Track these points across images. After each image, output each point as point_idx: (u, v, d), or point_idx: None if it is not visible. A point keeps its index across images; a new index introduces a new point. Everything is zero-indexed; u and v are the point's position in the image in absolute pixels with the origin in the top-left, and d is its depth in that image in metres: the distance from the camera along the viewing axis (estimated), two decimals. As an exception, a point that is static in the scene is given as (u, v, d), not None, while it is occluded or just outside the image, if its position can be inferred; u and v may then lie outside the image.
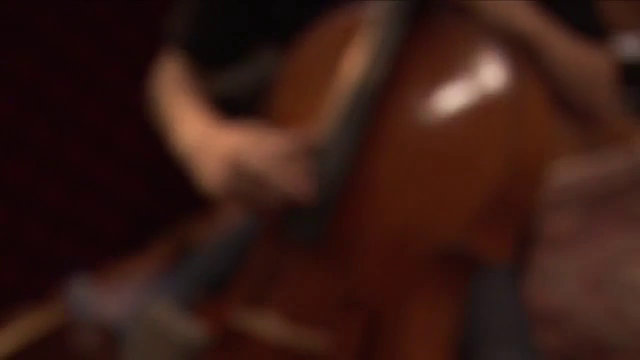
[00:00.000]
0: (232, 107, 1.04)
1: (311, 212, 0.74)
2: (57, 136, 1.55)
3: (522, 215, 0.76)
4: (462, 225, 0.68)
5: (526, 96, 0.71)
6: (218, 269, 0.60)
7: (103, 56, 1.59)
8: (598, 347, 1.66)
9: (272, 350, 0.71)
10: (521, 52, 0.78)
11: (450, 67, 0.74)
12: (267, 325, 0.71)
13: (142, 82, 1.67)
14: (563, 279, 1.91)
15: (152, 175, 1.83)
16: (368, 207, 0.73)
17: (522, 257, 1.00)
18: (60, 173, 1.59)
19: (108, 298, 1.78)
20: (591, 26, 0.93)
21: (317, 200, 0.73)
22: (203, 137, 0.85)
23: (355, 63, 0.75)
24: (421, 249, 0.70)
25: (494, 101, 0.71)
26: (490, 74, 0.72)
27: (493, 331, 0.84)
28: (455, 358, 0.75)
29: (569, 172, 2.46)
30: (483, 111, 0.71)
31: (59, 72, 1.50)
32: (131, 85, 1.67)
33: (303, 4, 0.91)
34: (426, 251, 0.69)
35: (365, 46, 0.75)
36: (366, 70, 0.74)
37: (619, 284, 1.89)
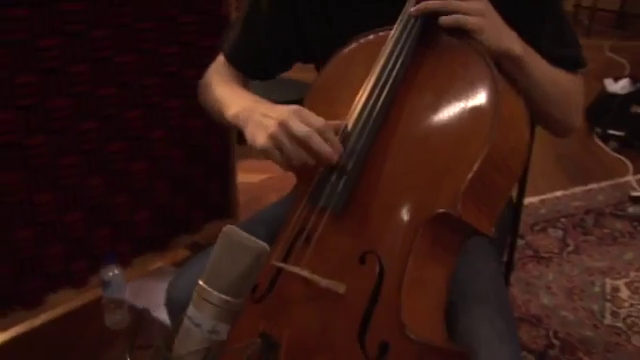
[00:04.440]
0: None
1: (338, 184, 0.90)
2: (104, 141, 1.73)
3: (499, 197, 0.94)
4: (452, 198, 0.85)
5: (506, 105, 0.90)
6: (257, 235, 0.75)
7: (144, 65, 1.76)
8: (574, 342, 1.83)
9: (305, 285, 0.90)
10: (506, 68, 0.97)
11: (448, 77, 0.91)
12: (302, 272, 0.89)
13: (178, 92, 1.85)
14: (548, 288, 2.08)
15: (181, 182, 2.00)
16: (382, 182, 0.90)
17: (499, 235, 1.17)
18: (103, 173, 1.77)
19: (137, 285, 1.94)
20: (568, 57, 1.12)
21: (345, 170, 0.91)
22: (255, 105, 0.99)
23: (377, 74, 0.94)
24: (422, 216, 0.87)
25: (482, 106, 0.89)
26: (479, 85, 0.90)
27: (473, 290, 1.01)
28: (444, 308, 0.92)
29: (560, 202, 2.66)
30: (473, 113, 0.89)
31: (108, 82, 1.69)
32: (166, 98, 1.87)
33: (337, 29, 1.10)
34: (426, 218, 0.87)
35: (385, 60, 0.95)
36: (385, 78, 0.94)
37: (595, 293, 2.06)
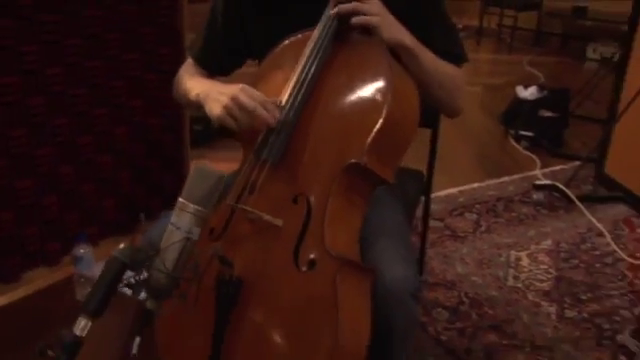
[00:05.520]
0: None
1: (275, 142, 1.18)
2: (75, 134, 1.98)
3: (396, 153, 1.24)
4: (360, 151, 1.14)
5: (400, 78, 1.20)
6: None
7: (110, 69, 2.02)
8: (481, 300, 2.15)
9: (252, 224, 1.16)
10: (404, 59, 1.28)
11: (357, 64, 1.23)
12: (249, 209, 1.17)
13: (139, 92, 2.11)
14: (462, 259, 2.41)
15: (141, 174, 2.24)
16: (308, 140, 1.18)
17: (407, 207, 1.48)
18: (74, 163, 2.01)
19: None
20: (454, 53, 1.43)
21: (280, 133, 1.19)
22: (212, 86, 1.29)
23: (303, 63, 1.24)
24: (339, 166, 1.15)
25: (381, 83, 1.17)
26: (379, 67, 1.21)
27: (382, 229, 1.30)
28: (358, 240, 1.22)
29: (476, 192, 3.02)
30: (375, 88, 1.17)
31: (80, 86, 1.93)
32: (130, 98, 2.12)
33: (272, 33, 1.39)
34: (341, 167, 1.15)
35: (309, 52, 1.25)
36: (310, 65, 1.24)
37: (501, 262, 2.41)
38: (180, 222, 0.93)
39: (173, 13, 2.15)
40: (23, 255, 1.99)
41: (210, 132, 3.08)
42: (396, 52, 1.27)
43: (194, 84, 1.38)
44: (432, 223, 2.64)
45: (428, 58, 1.31)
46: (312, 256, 1.14)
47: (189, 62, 1.52)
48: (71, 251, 2.02)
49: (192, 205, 0.93)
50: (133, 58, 2.07)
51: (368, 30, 1.24)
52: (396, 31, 1.25)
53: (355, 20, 1.22)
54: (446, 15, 1.44)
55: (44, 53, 1.83)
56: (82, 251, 2.00)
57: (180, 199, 0.94)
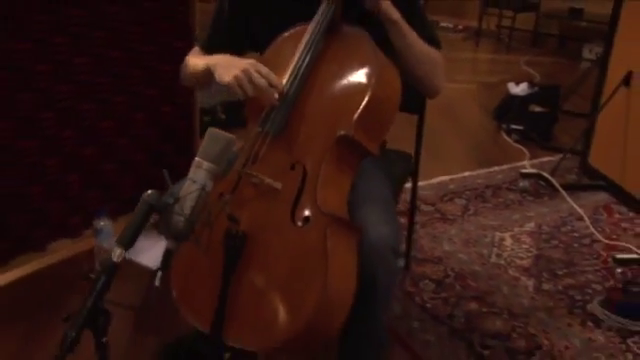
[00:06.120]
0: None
1: (277, 116, 1.38)
2: (99, 118, 2.18)
3: (380, 128, 1.43)
4: (350, 124, 1.33)
5: (383, 65, 1.40)
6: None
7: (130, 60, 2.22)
8: (465, 274, 2.34)
9: (255, 187, 1.36)
10: (390, 34, 1.45)
11: (348, 52, 1.42)
12: (254, 172, 1.37)
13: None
14: (450, 239, 2.60)
15: (156, 156, 2.45)
16: (305, 116, 1.37)
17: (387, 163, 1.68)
18: (96, 145, 2.21)
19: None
20: (431, 39, 1.61)
21: (280, 109, 1.40)
22: (222, 57, 1.48)
23: (300, 51, 1.45)
24: (330, 137, 1.35)
25: (368, 68, 1.37)
26: (366, 55, 1.41)
27: (369, 196, 1.50)
28: (347, 203, 1.42)
29: (466, 180, 3.21)
30: (363, 72, 1.37)
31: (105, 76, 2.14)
32: (146, 87, 2.32)
33: (273, 30, 1.56)
34: (332, 138, 1.35)
35: (306, 41, 1.45)
36: (306, 53, 1.44)
37: (486, 242, 2.60)
38: (196, 176, 1.13)
39: (186, 10, 2.35)
40: (49, 227, 2.19)
41: (217, 124, 3.28)
42: (384, 26, 1.46)
43: (200, 60, 1.57)
44: (423, 207, 2.84)
45: (412, 35, 1.50)
46: (306, 213, 1.33)
47: (195, 49, 1.71)
48: (92, 225, 2.23)
49: (206, 162, 1.13)
50: (150, 50, 2.27)
51: (356, 24, 1.45)
52: (388, 5, 1.45)
53: None
54: (422, 10, 1.64)
55: (72, 44, 2.04)
56: (102, 224, 2.21)
57: (197, 158, 1.14)
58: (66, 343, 0.95)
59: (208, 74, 1.48)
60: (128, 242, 1.04)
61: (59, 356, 0.94)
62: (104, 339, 1.02)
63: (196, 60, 1.60)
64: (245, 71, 1.36)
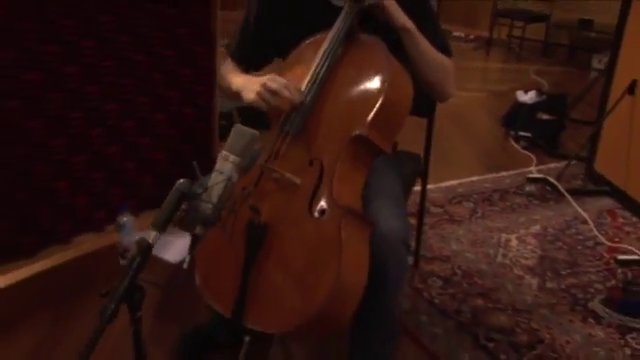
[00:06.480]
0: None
1: (297, 118, 1.48)
2: (121, 119, 2.29)
3: (392, 129, 1.53)
4: (363, 125, 1.44)
5: (396, 70, 1.50)
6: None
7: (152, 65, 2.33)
8: (471, 272, 2.43)
9: (276, 182, 1.46)
10: (404, 41, 1.55)
11: (364, 59, 1.53)
12: (275, 168, 1.47)
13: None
14: (458, 239, 2.69)
15: (175, 156, 2.54)
16: (323, 117, 1.47)
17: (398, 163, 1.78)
18: (119, 144, 2.32)
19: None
20: (442, 46, 1.71)
21: (300, 111, 1.49)
22: (246, 79, 1.62)
23: (319, 57, 1.55)
24: (346, 137, 1.44)
25: (382, 73, 1.47)
26: (381, 62, 1.51)
27: (382, 192, 1.59)
28: (361, 197, 1.51)
29: (474, 184, 3.30)
30: (377, 78, 1.47)
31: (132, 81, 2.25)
32: (166, 89, 2.43)
33: (298, 35, 1.66)
34: (348, 137, 1.44)
35: (325, 48, 1.55)
36: (325, 59, 1.53)
37: (492, 243, 2.68)
38: (223, 168, 1.23)
39: (207, 17, 2.46)
40: (74, 221, 2.29)
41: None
42: (399, 34, 1.56)
43: (233, 79, 1.70)
44: (432, 209, 2.93)
45: (425, 43, 1.60)
46: (323, 205, 1.42)
47: (228, 61, 1.82)
48: (115, 220, 2.34)
49: (232, 155, 1.23)
50: (171, 55, 2.37)
51: (372, 32, 1.55)
52: (401, 15, 1.55)
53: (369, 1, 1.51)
54: (435, 18, 1.74)
55: (99, 48, 2.15)
56: (125, 219, 2.31)
57: (223, 151, 1.24)
58: (105, 315, 1.04)
59: (238, 95, 1.62)
60: (161, 225, 1.14)
61: (99, 326, 1.04)
62: (139, 314, 1.11)
63: (229, 79, 1.73)
64: (264, 85, 1.48)
